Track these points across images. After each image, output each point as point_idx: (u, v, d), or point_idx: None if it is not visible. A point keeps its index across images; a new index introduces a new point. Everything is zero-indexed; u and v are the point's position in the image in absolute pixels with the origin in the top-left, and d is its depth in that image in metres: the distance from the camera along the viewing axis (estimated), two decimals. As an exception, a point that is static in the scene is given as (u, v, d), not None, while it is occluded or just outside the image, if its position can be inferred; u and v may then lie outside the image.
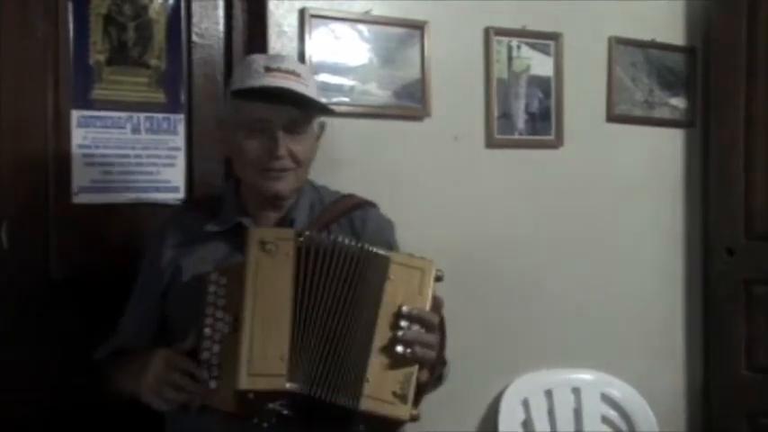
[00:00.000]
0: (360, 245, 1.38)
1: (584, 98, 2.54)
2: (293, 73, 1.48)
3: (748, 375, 2.65)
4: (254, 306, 1.30)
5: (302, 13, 2.07)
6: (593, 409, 2.49)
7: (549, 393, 2.45)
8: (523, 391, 2.42)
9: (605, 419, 2.50)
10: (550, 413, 2.45)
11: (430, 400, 2.18)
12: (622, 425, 2.51)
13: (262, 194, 1.52)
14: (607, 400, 2.52)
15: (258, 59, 1.53)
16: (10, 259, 1.79)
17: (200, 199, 1.81)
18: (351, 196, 1.65)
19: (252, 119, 1.47)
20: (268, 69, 1.47)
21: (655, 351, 2.72)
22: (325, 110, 1.54)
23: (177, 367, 1.32)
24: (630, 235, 2.66)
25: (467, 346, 2.32)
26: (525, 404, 2.41)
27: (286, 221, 1.54)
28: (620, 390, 2.53)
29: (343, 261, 1.36)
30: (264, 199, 1.53)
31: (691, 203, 2.78)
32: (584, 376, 2.52)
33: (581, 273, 2.55)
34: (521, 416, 2.40)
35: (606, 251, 2.60)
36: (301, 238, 1.36)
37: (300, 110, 1.47)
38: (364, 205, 1.64)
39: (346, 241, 1.38)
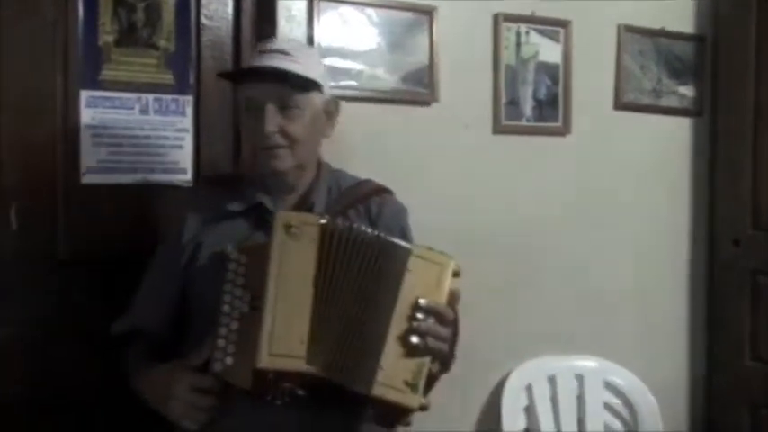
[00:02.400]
0: (381, 235, 1.39)
1: (591, 86, 2.53)
2: (281, 51, 1.50)
3: (752, 366, 2.65)
4: (278, 288, 1.32)
5: (311, -4, 2.07)
6: (596, 397, 2.50)
7: (552, 380, 2.46)
8: (527, 376, 2.43)
9: (608, 407, 2.51)
10: (553, 399, 2.45)
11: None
12: (625, 412, 2.51)
13: (264, 173, 1.53)
14: (610, 387, 2.52)
15: (260, 45, 1.57)
16: (19, 239, 1.79)
17: (220, 177, 1.82)
18: (367, 182, 1.66)
19: (245, 98, 1.52)
20: (260, 51, 1.52)
21: (658, 340, 2.72)
22: (314, 85, 1.52)
23: (202, 389, 1.35)
24: (636, 223, 2.65)
25: (471, 330, 2.32)
26: (528, 390, 2.42)
27: (306, 204, 1.55)
28: (623, 378, 2.53)
29: (365, 249, 1.37)
30: (267, 177, 1.54)
31: (697, 193, 2.78)
32: (588, 363, 2.52)
33: (586, 260, 2.55)
34: (524, 401, 2.41)
35: (611, 239, 2.60)
36: (325, 222, 1.37)
37: (290, 88, 1.48)
38: (381, 192, 1.65)
39: (369, 230, 1.39)
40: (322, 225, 1.37)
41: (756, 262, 2.64)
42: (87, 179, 1.87)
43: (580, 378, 2.50)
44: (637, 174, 2.65)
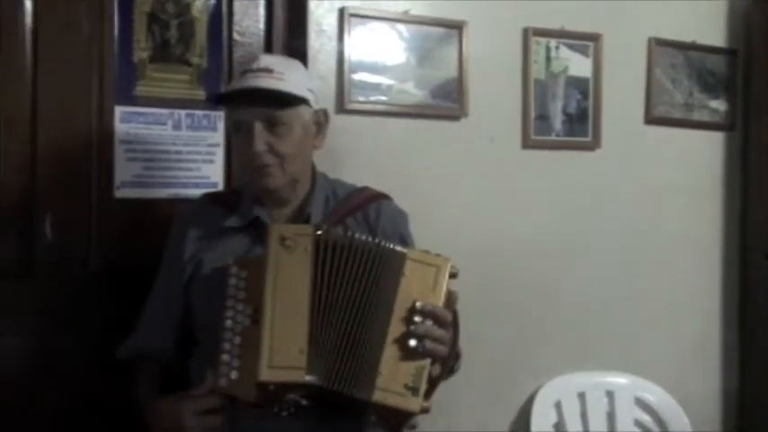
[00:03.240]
0: (376, 241, 1.41)
1: (622, 100, 2.52)
2: (265, 70, 1.51)
3: (785, 383, 2.61)
4: (274, 300, 1.34)
5: (341, 12, 2.08)
6: (627, 413, 2.47)
7: (582, 396, 2.44)
8: (556, 393, 2.41)
9: (639, 423, 2.48)
10: (583, 416, 2.43)
11: (462, 399, 2.21)
12: (656, 429, 2.48)
13: (258, 191, 1.55)
14: (641, 404, 2.49)
15: (245, 65, 1.58)
16: (53, 250, 1.83)
17: (219, 193, 1.84)
18: (365, 189, 1.67)
19: (233, 121, 1.54)
20: (244, 72, 1.53)
21: (690, 356, 2.69)
22: (300, 100, 1.52)
23: (209, 411, 1.37)
24: (667, 239, 2.63)
25: (501, 346, 2.33)
26: (558, 406, 2.40)
27: (302, 216, 1.57)
28: (654, 394, 2.50)
29: (360, 257, 1.38)
30: (262, 195, 1.56)
31: (729, 208, 2.75)
32: (619, 380, 2.50)
33: (617, 276, 2.53)
34: (553, 418, 2.39)
35: (642, 254, 2.58)
36: (320, 233, 1.39)
37: (274, 105, 1.48)
38: (378, 198, 1.65)
39: (362, 237, 1.41)
40: (316, 235, 1.39)
41: (789, 277, 2.60)
42: (121, 193, 1.90)
43: (610, 394, 2.47)
44: (667, 188, 2.62)
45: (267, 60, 1.55)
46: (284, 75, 1.51)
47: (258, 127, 1.47)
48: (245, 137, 1.49)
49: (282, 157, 1.50)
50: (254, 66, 1.52)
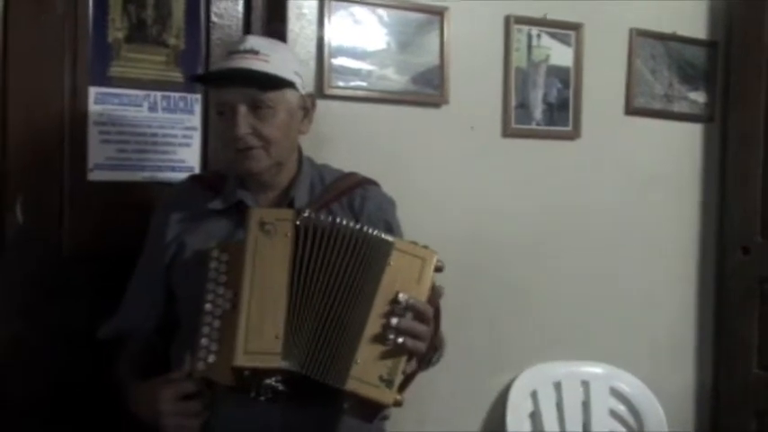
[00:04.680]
0: (363, 228, 1.39)
1: (602, 90, 2.52)
2: (251, 51, 1.48)
3: (759, 374, 2.64)
4: (252, 285, 1.34)
5: (323, -5, 2.06)
6: (602, 403, 2.48)
7: (557, 386, 2.45)
8: (532, 382, 2.41)
9: (613, 413, 2.50)
10: (559, 406, 2.44)
11: (438, 388, 2.20)
12: (630, 419, 2.50)
13: (241, 174, 1.54)
14: (616, 394, 2.51)
15: (229, 45, 1.56)
16: (24, 234, 1.79)
17: (204, 176, 1.82)
18: (352, 175, 1.65)
19: (217, 103, 1.51)
20: (230, 53, 1.51)
21: (666, 347, 2.71)
22: (286, 82, 1.50)
23: (188, 395, 1.35)
24: (645, 230, 2.64)
25: (477, 335, 2.33)
26: (534, 396, 2.41)
27: (286, 200, 1.55)
28: (629, 384, 2.52)
29: (343, 243, 1.37)
30: (245, 178, 1.54)
31: (707, 200, 2.77)
32: (594, 369, 2.51)
33: (594, 265, 2.54)
34: (529, 407, 2.40)
35: (620, 245, 2.59)
36: (299, 221, 1.38)
37: (259, 87, 1.46)
38: (365, 184, 1.63)
39: (346, 223, 1.39)
40: (296, 220, 1.37)
41: (765, 269, 2.63)
42: (94, 176, 1.86)
43: (586, 384, 2.48)
44: (646, 179, 2.63)
45: (253, 42, 1.52)
46: (270, 57, 1.49)
47: (242, 109, 1.45)
48: (228, 119, 1.47)
49: (266, 140, 1.48)
50: (241, 47, 1.50)
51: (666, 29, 2.63)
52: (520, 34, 2.35)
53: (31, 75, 1.79)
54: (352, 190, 1.60)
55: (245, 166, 1.49)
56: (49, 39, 1.81)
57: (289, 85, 1.50)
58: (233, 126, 1.45)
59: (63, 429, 1.83)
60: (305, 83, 1.58)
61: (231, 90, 1.46)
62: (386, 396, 1.30)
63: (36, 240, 1.81)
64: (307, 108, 1.58)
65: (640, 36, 2.57)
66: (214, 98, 1.53)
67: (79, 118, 1.84)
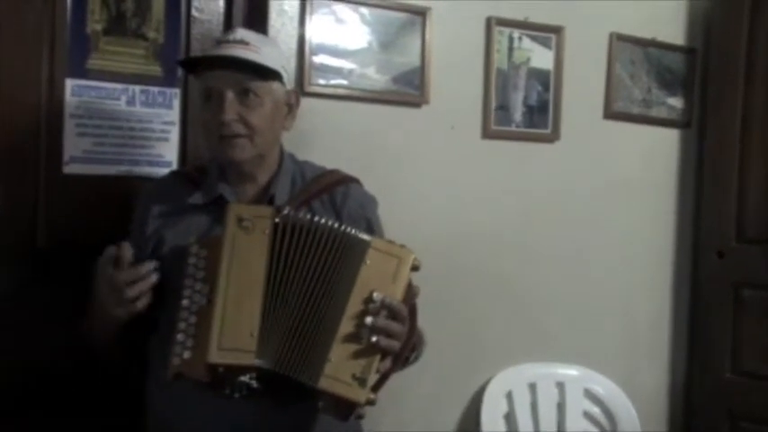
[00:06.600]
0: (341, 227, 1.39)
1: (582, 93, 2.53)
2: (241, 42, 1.49)
3: (732, 378, 2.66)
4: (228, 282, 1.33)
5: (304, -8, 2.05)
6: (576, 405, 2.49)
7: (532, 387, 2.46)
8: (507, 383, 2.42)
9: (587, 415, 2.51)
10: (533, 407, 2.45)
11: (414, 388, 2.20)
12: (604, 421, 2.51)
13: (222, 163, 1.53)
14: (590, 395, 2.52)
15: (218, 36, 1.58)
16: (-2, 226, 1.77)
17: (185, 170, 1.80)
18: (334, 172, 1.65)
19: (204, 88, 1.50)
20: (219, 42, 1.52)
21: (640, 349, 2.73)
22: (274, 74, 1.51)
23: (118, 263, 1.36)
24: (621, 233, 2.66)
25: (453, 336, 2.33)
26: (509, 397, 2.41)
27: (266, 196, 1.54)
28: (603, 386, 2.53)
29: (321, 241, 1.37)
30: (227, 168, 1.54)
31: (683, 204, 2.79)
32: (569, 371, 2.52)
33: (570, 267, 2.55)
34: (504, 408, 2.40)
35: (596, 248, 2.61)
36: (278, 218, 1.38)
37: (248, 75, 1.47)
38: (346, 181, 1.63)
39: (326, 222, 1.39)
40: (275, 217, 1.38)
41: (739, 274, 2.65)
42: (70, 169, 1.84)
43: (561, 386, 2.49)
44: (623, 183, 2.65)
45: (243, 33, 1.53)
46: (260, 49, 1.50)
47: (230, 95, 1.45)
48: (215, 105, 1.47)
49: (252, 129, 1.48)
50: (231, 37, 1.50)
51: (646, 34, 2.65)
52: (501, 36, 2.36)
53: (6, 66, 1.77)
54: (334, 187, 1.60)
55: (227, 154, 1.49)
56: (26, 29, 1.79)
57: (277, 77, 1.51)
58: (219, 112, 1.45)
59: (39, 418, 1.80)
60: (289, 79, 1.58)
61: (220, 75, 1.46)
62: (359, 394, 1.30)
63: (11, 232, 1.79)
64: (291, 104, 1.59)
65: (620, 41, 2.58)
66: (201, 83, 1.52)
67: (55, 110, 1.82)
